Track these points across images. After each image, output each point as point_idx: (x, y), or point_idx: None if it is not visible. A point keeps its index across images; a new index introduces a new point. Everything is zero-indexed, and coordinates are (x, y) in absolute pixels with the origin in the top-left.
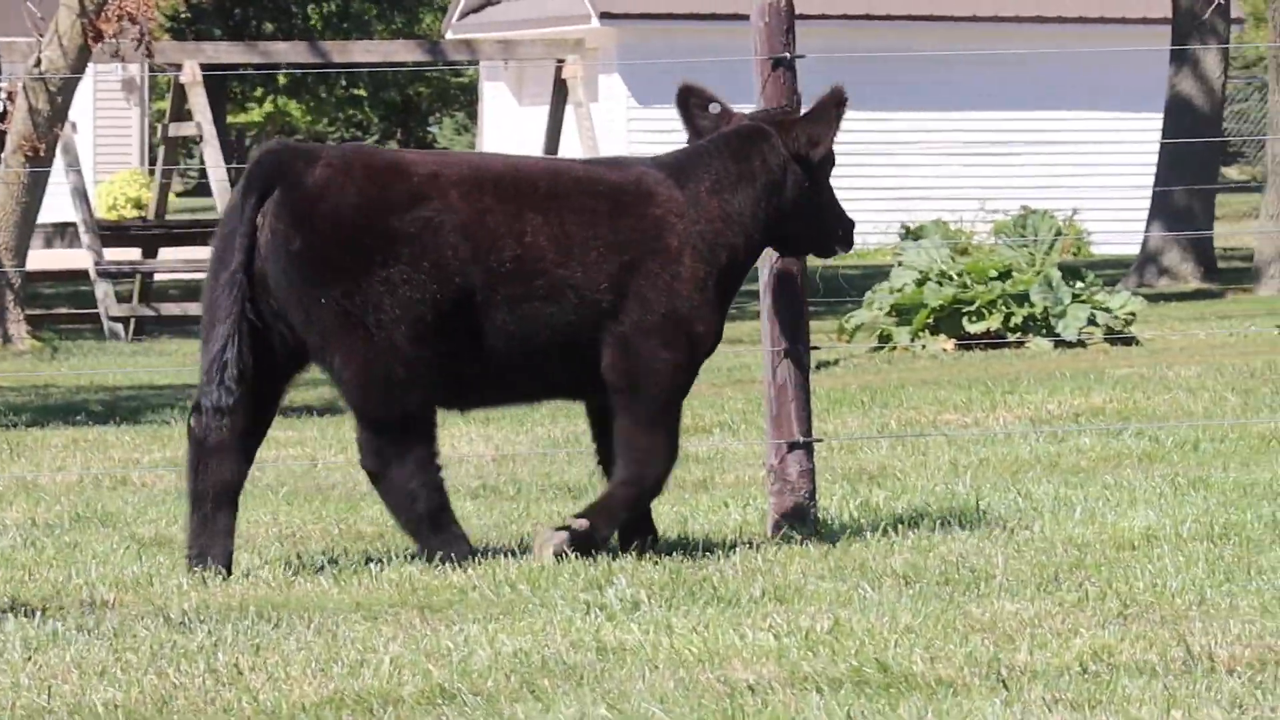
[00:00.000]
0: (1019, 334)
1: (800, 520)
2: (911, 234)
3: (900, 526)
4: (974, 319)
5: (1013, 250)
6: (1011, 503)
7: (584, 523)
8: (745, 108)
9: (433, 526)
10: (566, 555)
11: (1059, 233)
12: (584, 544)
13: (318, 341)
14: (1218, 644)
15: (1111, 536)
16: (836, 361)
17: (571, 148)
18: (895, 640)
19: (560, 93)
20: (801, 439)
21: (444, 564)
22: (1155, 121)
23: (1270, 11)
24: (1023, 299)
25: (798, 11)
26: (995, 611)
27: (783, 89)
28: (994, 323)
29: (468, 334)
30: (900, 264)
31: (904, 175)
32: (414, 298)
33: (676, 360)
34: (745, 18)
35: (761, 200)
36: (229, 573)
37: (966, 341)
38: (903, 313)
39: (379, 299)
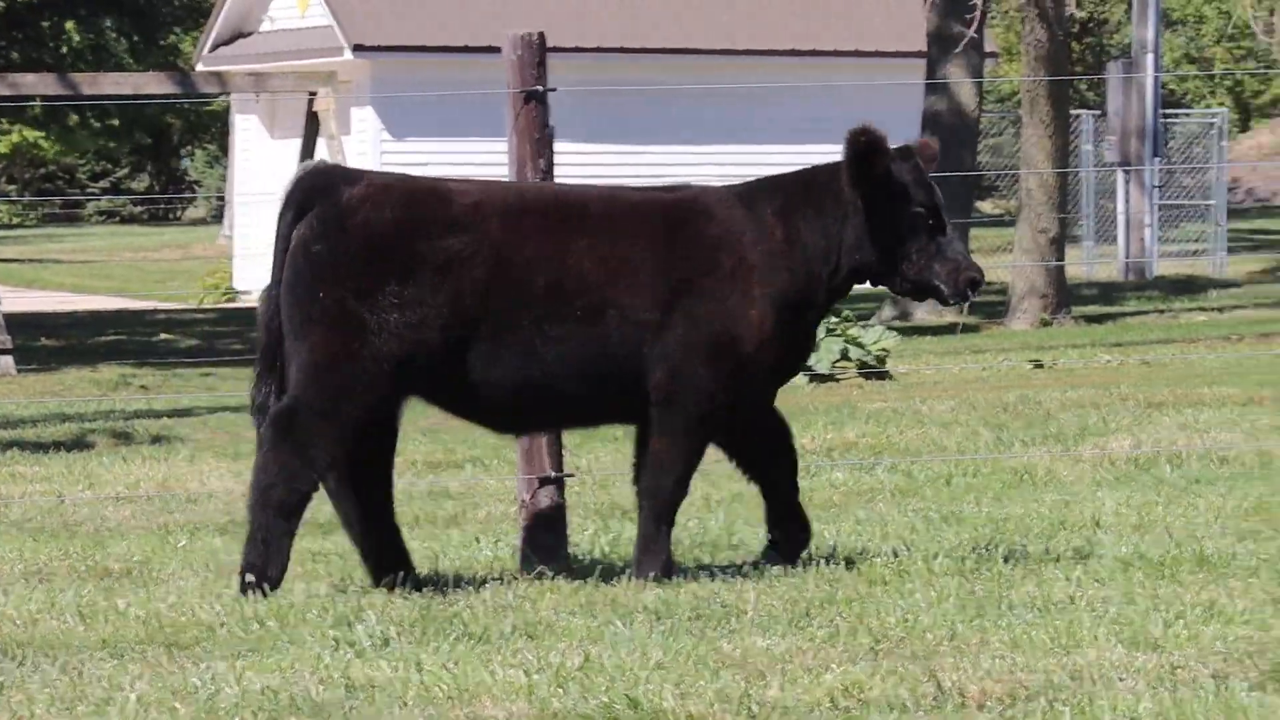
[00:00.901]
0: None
1: (551, 556)
2: None
3: None
4: None
5: None
6: (763, 538)
7: (637, 579)
8: (497, 142)
9: (269, 521)
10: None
11: None
12: (643, 577)
13: (294, 330)
14: (968, 679)
15: (863, 571)
16: None
17: None
18: (646, 676)
19: (312, 125)
20: (553, 474)
21: (245, 572)
22: None
23: (1023, 45)
24: None
25: (551, 44)
26: (746, 647)
27: (534, 122)
28: None
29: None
30: None
31: None
32: (423, 317)
33: (717, 377)
34: (498, 50)
35: (830, 229)
36: (417, 587)
37: None
38: None
39: (389, 312)
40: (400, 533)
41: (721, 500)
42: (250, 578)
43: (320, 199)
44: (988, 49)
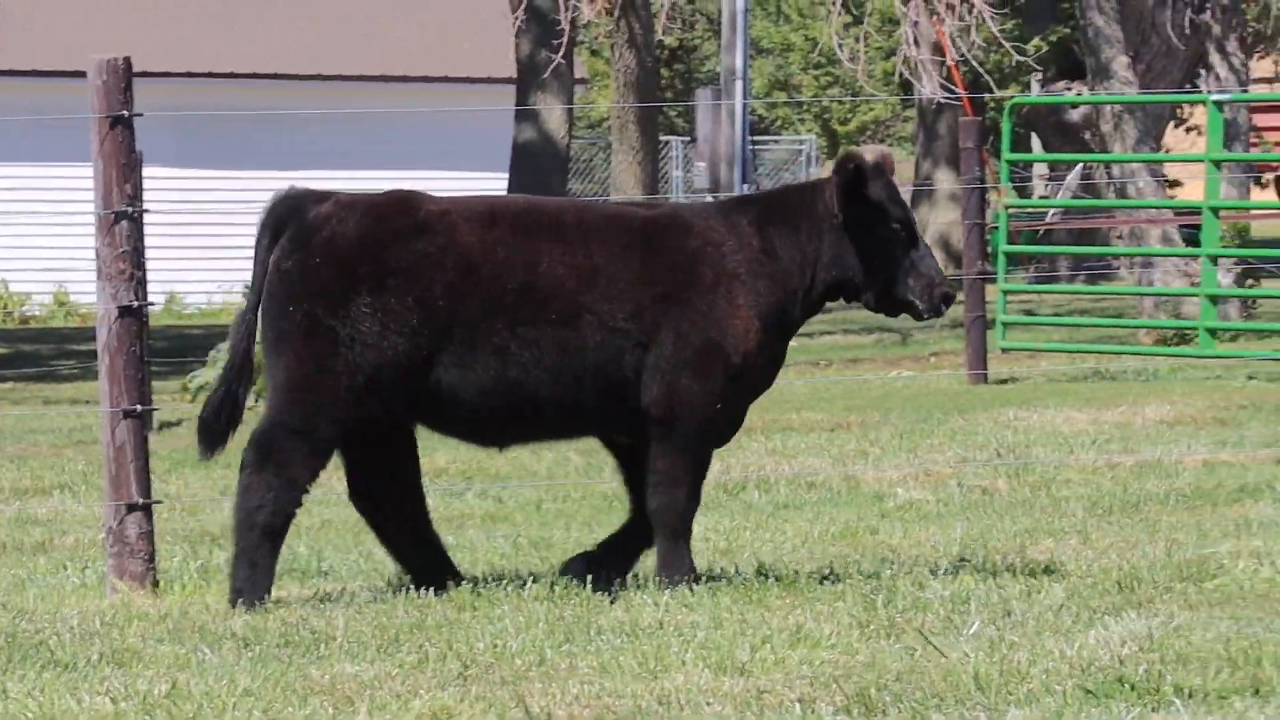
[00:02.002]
0: None
1: (139, 583)
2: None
3: None
4: None
5: None
6: (354, 563)
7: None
8: (82, 167)
9: (255, 543)
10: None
11: None
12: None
13: (268, 350)
14: (556, 704)
15: (453, 597)
16: (179, 422)
17: None
18: (234, 704)
19: None
20: (141, 501)
21: (234, 594)
22: (502, 181)
23: (613, 72)
24: None
25: (139, 69)
26: (335, 674)
27: (121, 147)
28: None
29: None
30: None
31: (248, 235)
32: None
33: (709, 390)
34: (84, 75)
35: (806, 246)
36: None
37: None
38: None
39: (361, 323)
40: (440, 541)
41: (311, 526)
42: (241, 599)
43: (292, 220)
44: (577, 75)
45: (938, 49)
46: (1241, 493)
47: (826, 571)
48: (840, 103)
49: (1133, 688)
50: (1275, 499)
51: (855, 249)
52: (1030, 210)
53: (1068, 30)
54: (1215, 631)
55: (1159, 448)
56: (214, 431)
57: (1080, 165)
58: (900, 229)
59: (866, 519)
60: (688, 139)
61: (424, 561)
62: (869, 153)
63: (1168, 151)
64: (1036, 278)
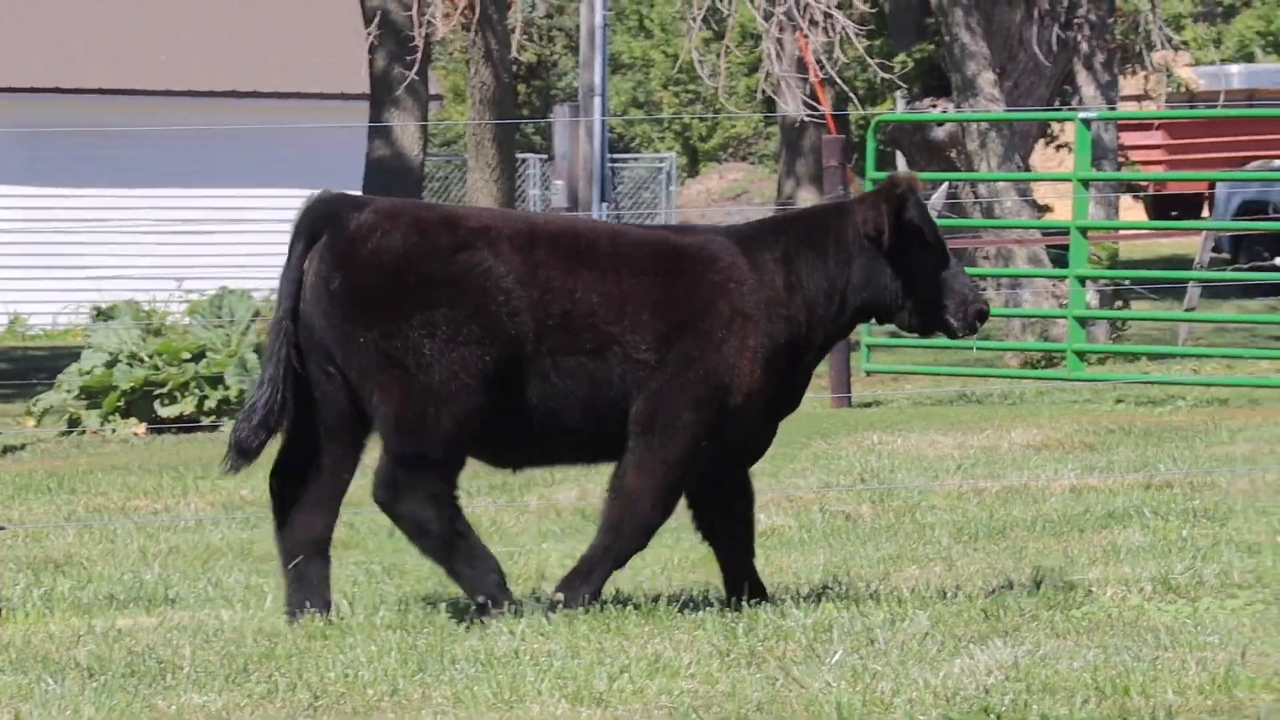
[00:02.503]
0: (213, 417)
1: None
2: (102, 314)
3: (86, 617)
4: (166, 402)
5: (209, 331)
6: (202, 591)
7: (560, 596)
8: None
9: (450, 551)
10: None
11: (256, 313)
12: (570, 605)
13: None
14: None
15: (304, 625)
16: (23, 446)
17: None
18: None
19: None
20: None
21: (474, 599)
22: None
23: (469, 88)
24: (217, 381)
25: None
26: (182, 704)
27: None
28: (187, 406)
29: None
30: (90, 345)
31: (96, 254)
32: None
33: (699, 422)
34: None
35: (834, 273)
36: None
37: (159, 425)
38: (93, 395)
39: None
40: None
41: (159, 553)
42: (491, 602)
43: (327, 227)
44: (433, 92)
45: (801, 65)
46: (1109, 519)
47: (687, 599)
48: (701, 120)
49: (998, 717)
50: (1144, 525)
51: (890, 270)
52: None
53: (934, 47)
54: (1082, 660)
55: (1025, 473)
56: (251, 443)
57: (945, 184)
58: (934, 248)
59: None
60: (545, 157)
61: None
62: (901, 176)
63: (1035, 170)
64: None
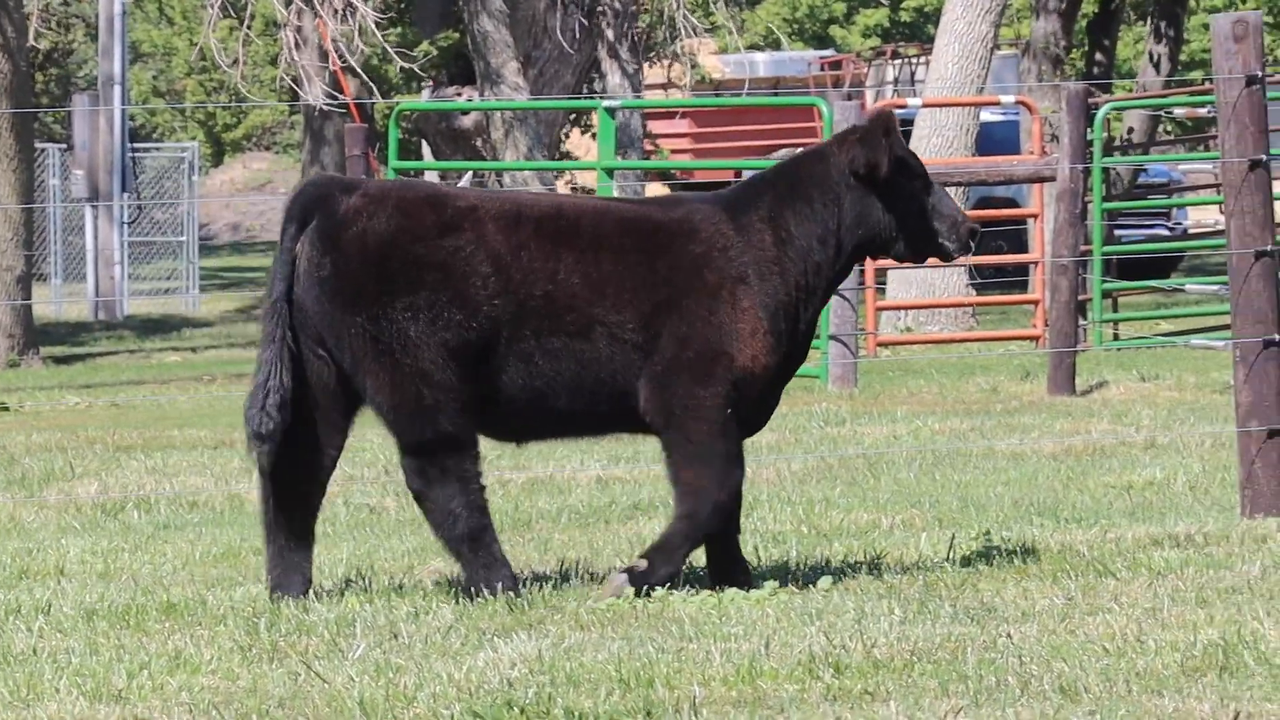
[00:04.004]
0: None
1: None
2: None
3: None
4: None
5: None
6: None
7: (643, 563)
8: None
9: (473, 547)
10: (625, 595)
11: None
12: (641, 583)
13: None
14: None
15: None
16: None
17: None
18: None
19: None
20: None
21: (481, 593)
22: None
23: None
24: None
25: None
26: None
27: None
28: None
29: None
30: None
31: None
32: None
33: (715, 394)
34: None
35: (826, 217)
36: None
37: None
38: None
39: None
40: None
41: None
42: (500, 588)
43: (318, 210)
44: None
45: (324, 54)
46: (636, 510)
47: (208, 594)
48: (225, 108)
49: (522, 710)
50: (669, 516)
51: (880, 205)
52: None
53: (458, 35)
54: (607, 652)
55: (551, 464)
56: (265, 427)
57: (470, 173)
58: (920, 176)
59: (250, 539)
60: (65, 146)
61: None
62: (885, 109)
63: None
64: None
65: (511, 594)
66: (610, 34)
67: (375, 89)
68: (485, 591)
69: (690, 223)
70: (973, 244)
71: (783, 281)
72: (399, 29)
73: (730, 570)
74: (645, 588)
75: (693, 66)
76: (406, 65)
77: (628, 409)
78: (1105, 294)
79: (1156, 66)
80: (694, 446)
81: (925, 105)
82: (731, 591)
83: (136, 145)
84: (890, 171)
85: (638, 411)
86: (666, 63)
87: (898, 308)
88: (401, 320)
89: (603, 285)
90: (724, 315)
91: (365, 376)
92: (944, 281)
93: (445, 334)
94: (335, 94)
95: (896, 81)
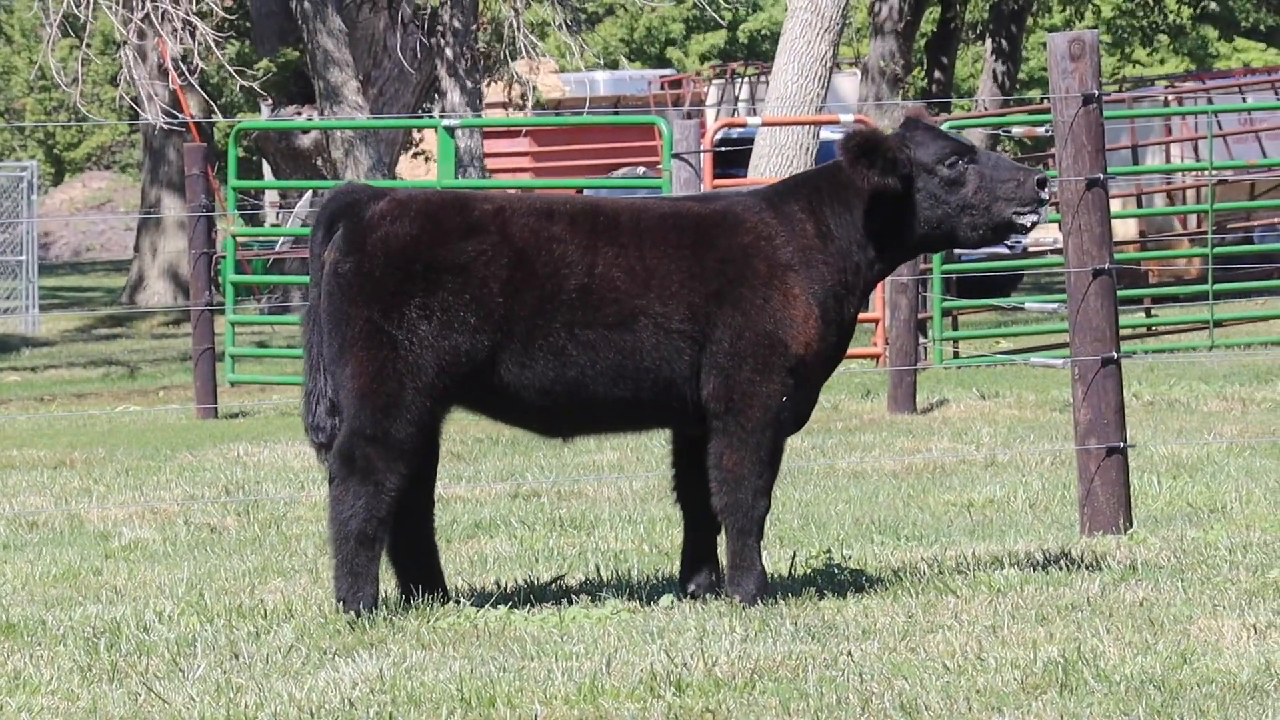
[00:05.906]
0: None
1: None
2: None
3: None
4: None
5: None
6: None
7: (735, 590)
8: None
9: (354, 551)
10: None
11: None
12: (751, 602)
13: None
14: None
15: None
16: None
17: None
18: None
19: None
20: None
21: (337, 604)
22: None
23: None
24: None
25: None
26: None
27: None
28: None
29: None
30: None
31: None
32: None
33: (773, 382)
34: None
35: (860, 224)
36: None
37: None
38: None
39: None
40: (437, 554)
41: None
42: (347, 607)
43: (345, 217)
44: None
45: (163, 73)
46: (477, 529)
47: (47, 614)
48: (65, 128)
49: None
50: (510, 534)
51: (924, 206)
52: (261, 239)
53: (298, 54)
54: (449, 671)
55: None
56: (321, 433)
57: (310, 192)
58: (958, 160)
59: (90, 559)
60: None
61: (418, 574)
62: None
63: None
64: (269, 308)
65: (368, 615)
66: (450, 53)
67: (215, 107)
68: (340, 604)
69: (734, 214)
70: (1045, 197)
71: (828, 270)
72: (240, 47)
73: (700, 571)
74: (757, 598)
75: (534, 89)
76: (246, 84)
77: (672, 400)
78: (945, 312)
79: (1000, 86)
80: (745, 434)
81: (765, 124)
82: (573, 610)
83: None
84: (908, 180)
85: (683, 402)
86: (505, 82)
87: None
88: (414, 318)
89: (648, 278)
90: (777, 303)
91: (350, 362)
92: None
93: (459, 336)
94: (175, 113)
95: (736, 100)
